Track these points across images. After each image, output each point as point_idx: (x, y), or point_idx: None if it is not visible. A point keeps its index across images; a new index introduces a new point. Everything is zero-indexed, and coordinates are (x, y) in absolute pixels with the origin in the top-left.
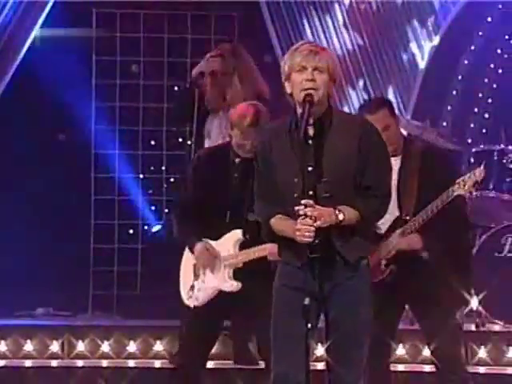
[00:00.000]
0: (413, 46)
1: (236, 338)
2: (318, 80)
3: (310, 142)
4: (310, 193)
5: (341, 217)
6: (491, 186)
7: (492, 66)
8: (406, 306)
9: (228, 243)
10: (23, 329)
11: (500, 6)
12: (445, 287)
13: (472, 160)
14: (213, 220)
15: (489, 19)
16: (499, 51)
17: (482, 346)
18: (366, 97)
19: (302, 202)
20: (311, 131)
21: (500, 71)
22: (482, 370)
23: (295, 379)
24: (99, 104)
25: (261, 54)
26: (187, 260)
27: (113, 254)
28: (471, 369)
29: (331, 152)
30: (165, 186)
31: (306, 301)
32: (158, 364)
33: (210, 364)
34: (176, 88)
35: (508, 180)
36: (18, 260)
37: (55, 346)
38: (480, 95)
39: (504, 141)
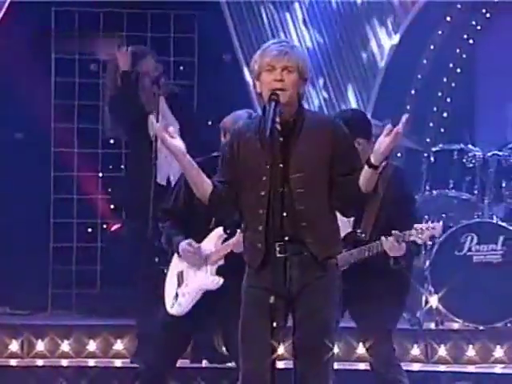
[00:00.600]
0: (373, 45)
1: (204, 336)
2: (286, 80)
3: (281, 139)
4: (279, 190)
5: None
6: (451, 186)
7: (451, 65)
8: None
9: (211, 241)
10: None
11: (459, 6)
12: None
13: (432, 159)
14: (199, 226)
15: (448, 19)
16: (458, 51)
17: (442, 345)
18: (325, 96)
19: None
20: (279, 130)
21: (459, 71)
22: (442, 368)
23: (262, 378)
24: (58, 102)
25: (220, 52)
26: (172, 270)
27: (72, 252)
28: (431, 367)
29: (301, 150)
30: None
31: (271, 299)
32: (118, 363)
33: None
34: None
35: (467, 179)
36: None
37: (14, 346)
38: (439, 94)
39: (465, 140)
